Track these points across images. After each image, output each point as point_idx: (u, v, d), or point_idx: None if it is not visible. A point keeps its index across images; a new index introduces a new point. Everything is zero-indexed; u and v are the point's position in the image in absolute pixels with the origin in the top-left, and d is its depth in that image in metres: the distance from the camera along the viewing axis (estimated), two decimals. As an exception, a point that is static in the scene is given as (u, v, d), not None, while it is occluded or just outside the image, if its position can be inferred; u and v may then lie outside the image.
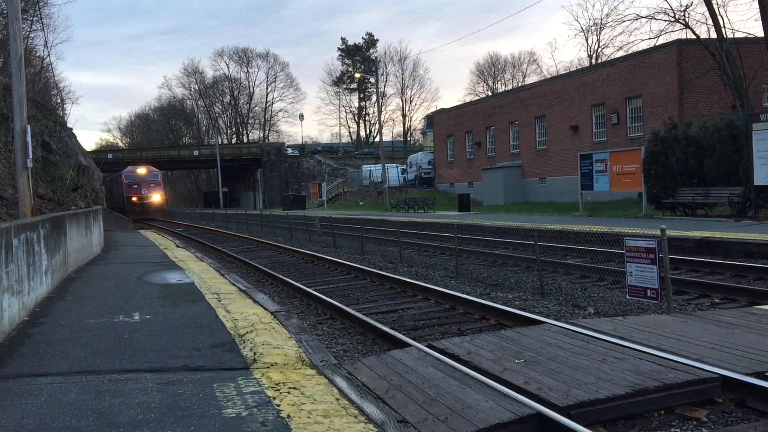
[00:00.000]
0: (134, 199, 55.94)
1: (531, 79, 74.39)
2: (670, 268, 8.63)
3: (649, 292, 8.08)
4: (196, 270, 13.54)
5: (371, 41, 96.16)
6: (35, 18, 29.90)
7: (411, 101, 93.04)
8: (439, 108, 64.38)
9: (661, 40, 30.34)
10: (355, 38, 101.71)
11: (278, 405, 4.66)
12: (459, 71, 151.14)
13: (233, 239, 29.14)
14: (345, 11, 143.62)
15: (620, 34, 58.22)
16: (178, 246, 21.12)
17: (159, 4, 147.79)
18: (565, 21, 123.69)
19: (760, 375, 5.30)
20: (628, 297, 8.65)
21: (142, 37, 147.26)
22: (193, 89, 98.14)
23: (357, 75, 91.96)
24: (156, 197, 57.74)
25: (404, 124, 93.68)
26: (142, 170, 57.68)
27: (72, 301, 9.72)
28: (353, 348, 7.82)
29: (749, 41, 27.90)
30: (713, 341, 6.32)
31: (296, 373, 5.56)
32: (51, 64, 32.46)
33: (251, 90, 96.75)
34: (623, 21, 31.44)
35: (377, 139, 75.45)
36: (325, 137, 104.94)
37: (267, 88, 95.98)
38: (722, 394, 5.16)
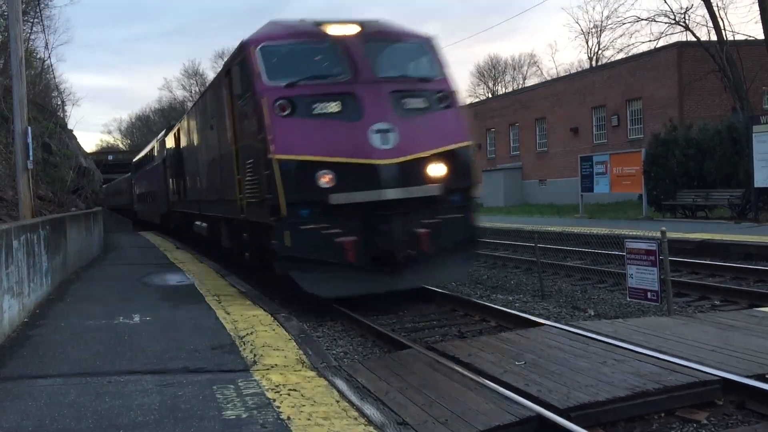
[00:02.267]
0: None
1: (531, 81, 74.41)
2: (671, 270, 8.62)
3: (649, 294, 8.08)
4: (196, 272, 13.53)
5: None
6: (36, 20, 29.94)
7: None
8: (439, 110, 64.16)
9: (662, 43, 30.43)
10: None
11: (278, 407, 4.65)
12: (459, 73, 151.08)
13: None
14: (345, 13, 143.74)
15: (620, 36, 58.61)
16: (178, 248, 21.11)
17: (157, 6, 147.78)
18: (565, 23, 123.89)
19: (760, 377, 5.30)
20: (628, 299, 8.65)
21: (142, 39, 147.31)
22: (193, 91, 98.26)
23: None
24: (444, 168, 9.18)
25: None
26: (351, 29, 9.51)
27: (72, 303, 9.71)
28: (353, 350, 7.81)
29: (749, 43, 27.93)
30: (713, 343, 6.32)
31: (296, 375, 5.56)
32: (51, 65, 32.47)
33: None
34: (623, 23, 31.58)
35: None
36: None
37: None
38: (723, 397, 5.16)
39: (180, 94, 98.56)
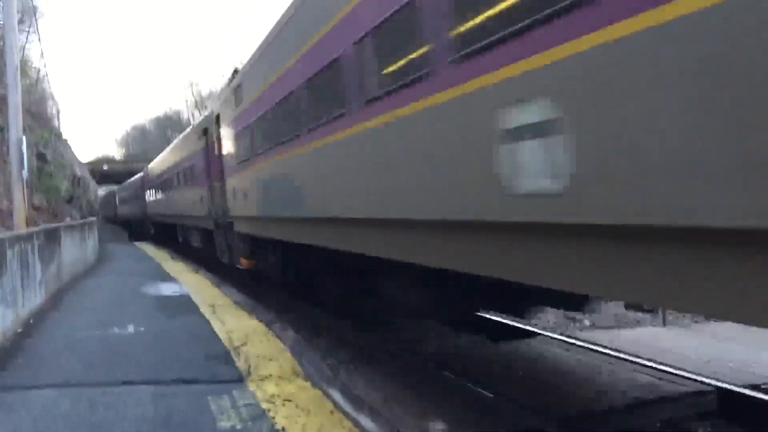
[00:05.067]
0: None
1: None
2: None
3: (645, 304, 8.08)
4: (191, 282, 13.50)
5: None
6: (31, 29, 29.96)
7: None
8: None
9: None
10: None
11: (273, 418, 4.63)
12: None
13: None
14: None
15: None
16: (173, 258, 21.06)
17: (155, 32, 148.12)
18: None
19: (755, 387, 5.31)
20: (624, 309, 8.65)
21: (137, 49, 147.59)
22: (189, 101, 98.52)
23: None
24: None
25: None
26: None
27: (66, 313, 9.67)
28: (349, 360, 7.78)
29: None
30: (709, 354, 6.33)
31: (291, 385, 5.53)
32: (47, 74, 32.48)
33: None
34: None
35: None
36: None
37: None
38: (718, 407, 5.17)
39: (176, 103, 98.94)
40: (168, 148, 26.05)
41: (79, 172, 31.31)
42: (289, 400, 5.07)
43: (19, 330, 8.17)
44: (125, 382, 5.68)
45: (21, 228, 11.66)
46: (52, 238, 11.87)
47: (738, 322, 2.63)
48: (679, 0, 2.59)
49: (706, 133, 2.54)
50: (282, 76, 8.35)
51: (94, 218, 23.73)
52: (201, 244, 18.87)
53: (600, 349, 6.53)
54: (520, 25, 3.55)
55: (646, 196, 2.79)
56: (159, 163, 27.75)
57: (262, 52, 9.68)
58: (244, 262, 12.57)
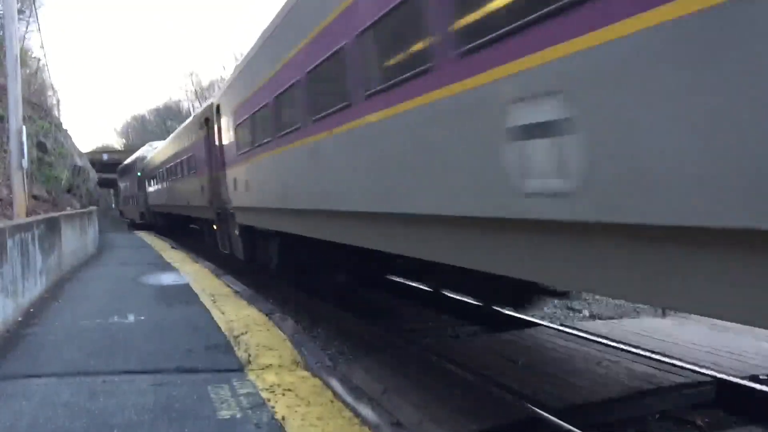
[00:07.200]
0: None
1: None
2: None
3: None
4: (191, 271, 13.51)
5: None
6: (31, 18, 29.82)
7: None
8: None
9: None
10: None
11: (273, 407, 4.65)
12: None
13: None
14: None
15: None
16: (173, 247, 21.07)
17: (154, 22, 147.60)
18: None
19: (754, 378, 5.33)
20: (623, 300, 8.66)
21: (138, 38, 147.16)
22: (189, 91, 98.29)
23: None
24: None
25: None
26: None
27: (66, 302, 9.68)
28: (348, 350, 7.80)
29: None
30: (708, 344, 6.35)
31: (291, 375, 5.54)
32: (47, 64, 32.35)
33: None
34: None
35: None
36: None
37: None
38: (717, 397, 5.18)
39: (176, 93, 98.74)
40: (134, 165, 41.22)
41: (79, 162, 31.25)
42: (290, 390, 5.08)
43: (20, 319, 8.19)
44: (125, 371, 5.70)
45: (21, 217, 11.66)
46: (52, 227, 11.87)
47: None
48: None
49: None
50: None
51: (94, 208, 23.71)
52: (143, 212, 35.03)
53: (600, 339, 6.55)
54: None
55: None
56: (126, 174, 43.72)
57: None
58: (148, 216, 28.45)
